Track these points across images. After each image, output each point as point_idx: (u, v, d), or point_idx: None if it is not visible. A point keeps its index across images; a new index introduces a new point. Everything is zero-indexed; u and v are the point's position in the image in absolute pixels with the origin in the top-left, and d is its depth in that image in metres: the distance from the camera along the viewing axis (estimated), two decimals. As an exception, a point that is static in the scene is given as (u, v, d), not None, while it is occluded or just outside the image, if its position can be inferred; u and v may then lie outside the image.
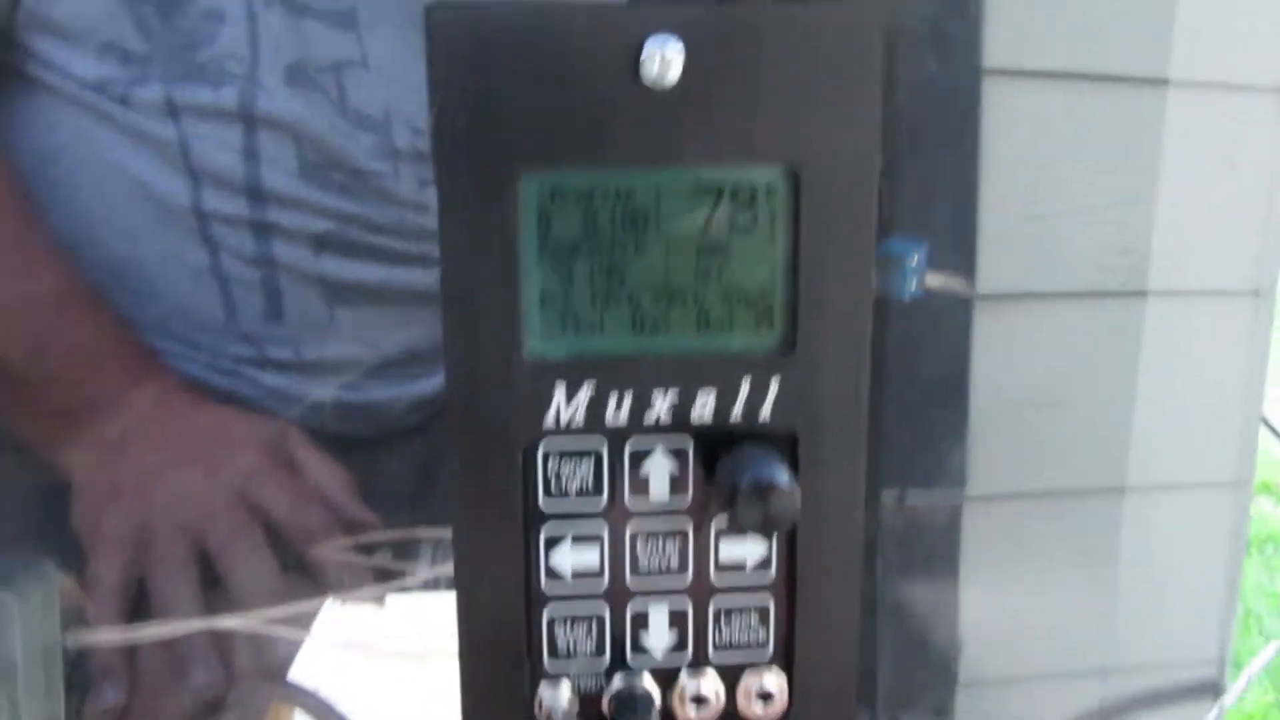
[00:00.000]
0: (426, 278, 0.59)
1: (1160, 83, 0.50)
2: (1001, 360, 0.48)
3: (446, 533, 0.27)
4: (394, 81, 0.53)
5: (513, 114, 0.24)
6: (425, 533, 0.49)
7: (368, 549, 0.50)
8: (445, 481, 0.26)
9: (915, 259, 0.30)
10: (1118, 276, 0.52)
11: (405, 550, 0.50)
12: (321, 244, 0.56)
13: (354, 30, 0.53)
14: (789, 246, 0.26)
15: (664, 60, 0.24)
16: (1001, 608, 0.53)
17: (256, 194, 0.53)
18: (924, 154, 0.42)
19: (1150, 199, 0.51)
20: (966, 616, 0.51)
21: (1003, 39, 0.46)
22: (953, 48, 0.44)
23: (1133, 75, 0.50)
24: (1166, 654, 0.58)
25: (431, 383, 0.61)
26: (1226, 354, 0.56)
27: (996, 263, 0.45)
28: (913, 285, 0.31)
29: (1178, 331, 0.54)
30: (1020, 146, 0.48)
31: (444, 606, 0.28)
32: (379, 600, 0.48)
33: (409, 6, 0.53)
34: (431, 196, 0.25)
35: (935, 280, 0.32)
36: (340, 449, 0.50)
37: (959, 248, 0.44)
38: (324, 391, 0.56)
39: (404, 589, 0.48)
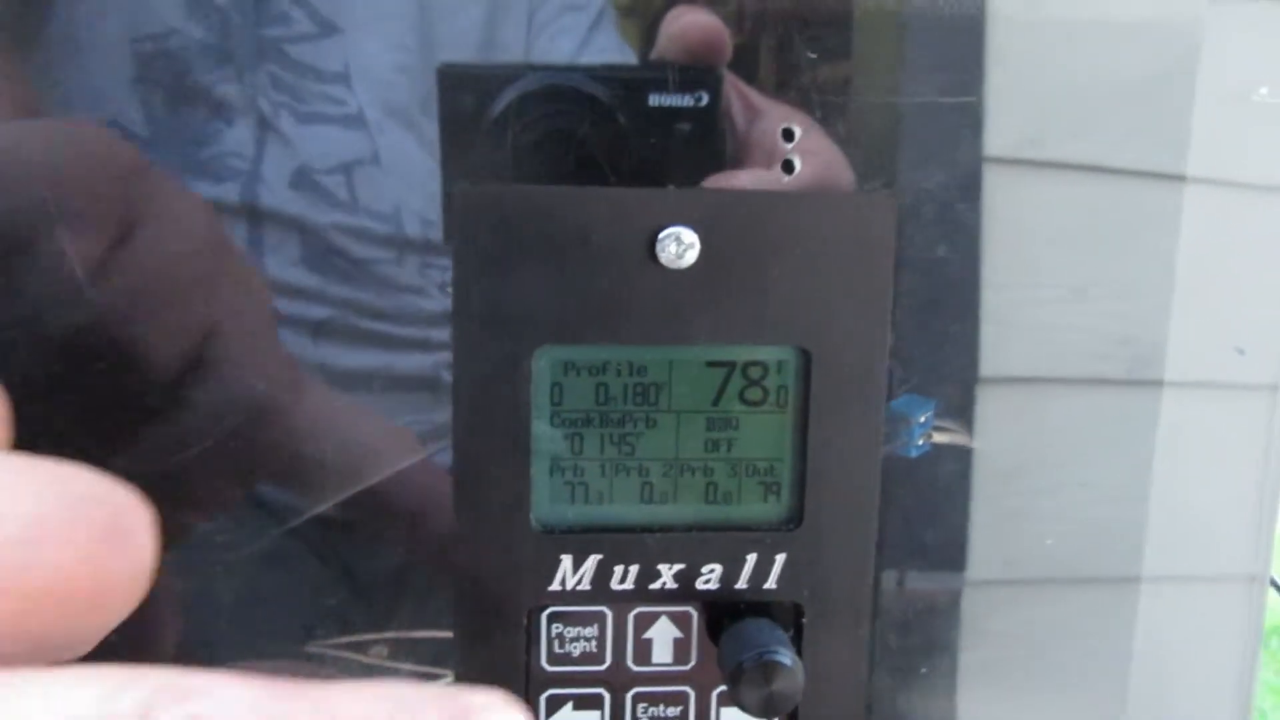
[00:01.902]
0: (425, 362, 0.59)
1: (1176, 179, 0.50)
2: (1002, 444, 0.48)
3: (442, 633, 0.27)
4: (405, 175, 0.53)
5: (530, 290, 0.25)
6: (420, 634, 0.49)
7: (361, 647, 0.50)
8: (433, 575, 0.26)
9: (924, 417, 0.31)
10: (1121, 365, 0.52)
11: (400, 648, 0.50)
12: (320, 331, 0.56)
13: (364, 130, 0.54)
14: (798, 423, 0.26)
15: (680, 243, 0.24)
16: (1002, 697, 0.53)
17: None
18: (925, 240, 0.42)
19: (1161, 290, 0.51)
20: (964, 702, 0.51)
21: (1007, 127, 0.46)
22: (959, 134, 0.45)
23: (1143, 170, 0.51)
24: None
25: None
26: (1242, 447, 0.56)
27: (998, 345, 0.45)
28: (921, 443, 0.31)
29: (1192, 423, 0.54)
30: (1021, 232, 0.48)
31: None
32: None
33: (419, 98, 0.54)
34: (432, 279, 0.25)
35: (942, 436, 0.32)
36: (335, 534, 0.50)
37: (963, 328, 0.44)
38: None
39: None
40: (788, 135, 0.26)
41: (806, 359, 0.25)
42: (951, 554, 0.48)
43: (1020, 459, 0.50)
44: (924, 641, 0.50)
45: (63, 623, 0.21)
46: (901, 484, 0.38)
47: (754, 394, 0.26)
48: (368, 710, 0.16)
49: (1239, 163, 0.51)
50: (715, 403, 0.26)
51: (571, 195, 0.24)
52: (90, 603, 0.21)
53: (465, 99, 0.28)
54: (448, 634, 0.27)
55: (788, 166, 0.27)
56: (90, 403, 0.26)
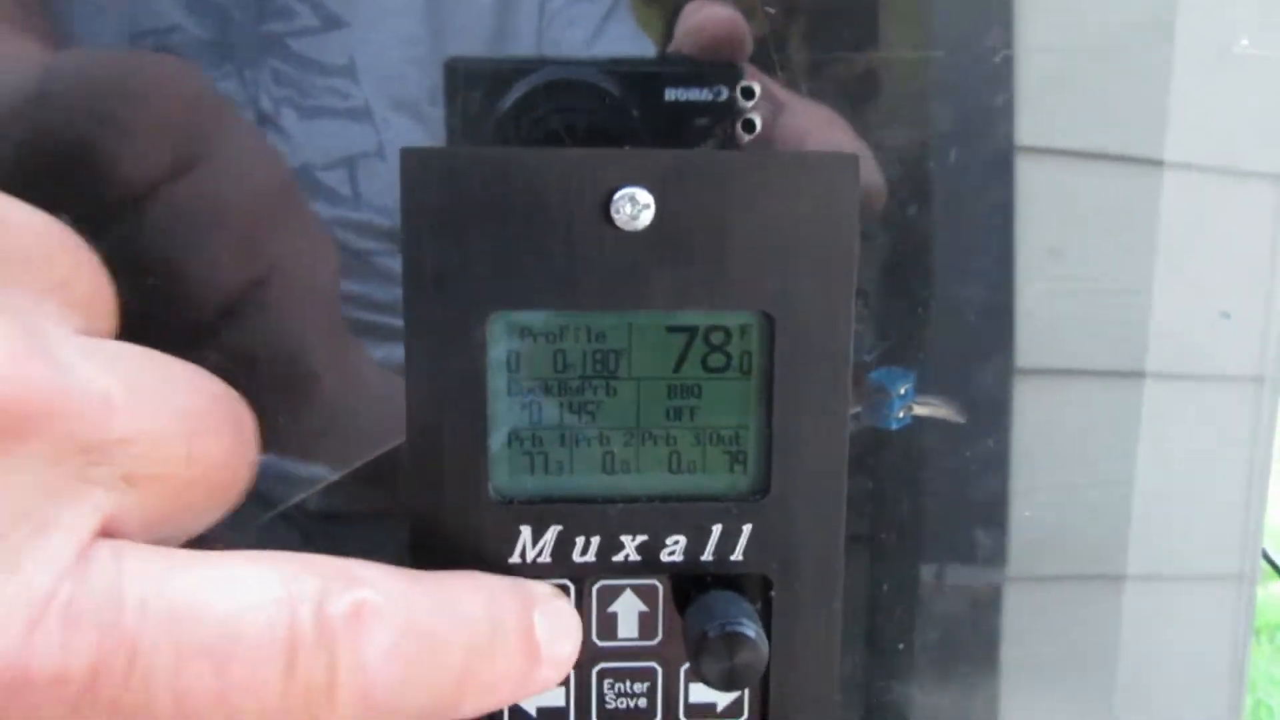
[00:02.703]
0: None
1: (1155, 163, 0.49)
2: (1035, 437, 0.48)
3: None
4: None
5: (483, 254, 0.24)
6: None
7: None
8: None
9: (903, 389, 0.30)
10: (1118, 357, 0.51)
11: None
12: None
13: (369, 123, 0.53)
14: (762, 390, 0.25)
15: (635, 203, 0.24)
16: (1005, 696, 0.52)
17: None
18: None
19: (1143, 281, 0.50)
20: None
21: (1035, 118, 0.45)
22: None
23: (1132, 155, 0.50)
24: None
25: None
26: (1229, 440, 0.55)
27: (1033, 338, 0.45)
28: (900, 415, 0.30)
29: (1177, 416, 0.53)
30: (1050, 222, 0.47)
31: None
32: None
33: (428, 90, 0.54)
34: None
35: (924, 409, 0.31)
36: (327, 525, 0.49)
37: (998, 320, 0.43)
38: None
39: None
40: (747, 94, 0.26)
41: (770, 324, 0.25)
42: (968, 549, 0.48)
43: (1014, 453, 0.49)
44: (906, 634, 0.49)
45: (207, 507, 0.22)
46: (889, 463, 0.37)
47: (716, 360, 0.25)
48: (471, 598, 0.22)
49: (1221, 143, 0.50)
50: (676, 369, 0.25)
51: (523, 156, 0.24)
52: (227, 489, 0.23)
53: (473, 93, 0.27)
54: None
55: (748, 126, 0.26)
56: (132, 326, 0.25)
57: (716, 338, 0.25)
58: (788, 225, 0.24)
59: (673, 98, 0.26)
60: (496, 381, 0.25)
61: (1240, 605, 0.56)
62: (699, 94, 0.26)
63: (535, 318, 0.25)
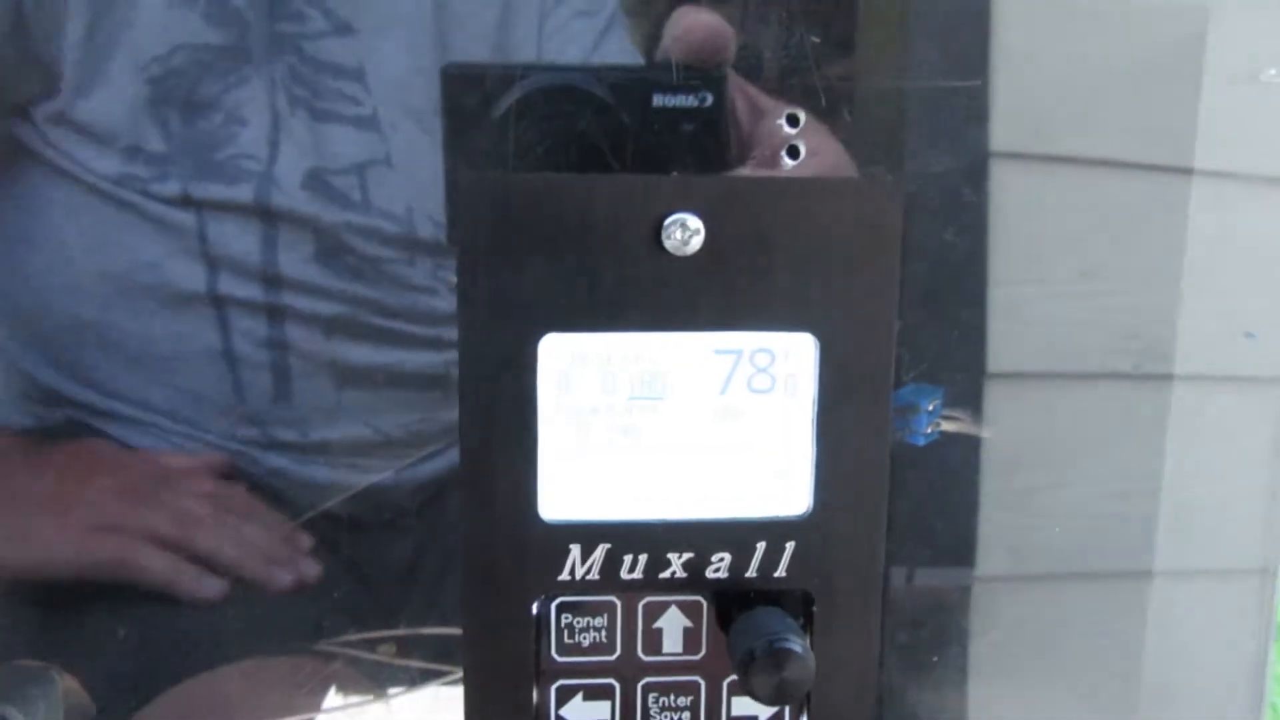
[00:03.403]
0: (435, 360, 0.59)
1: (1183, 171, 0.50)
2: (1013, 439, 0.48)
3: (450, 630, 0.27)
4: (417, 176, 0.54)
5: (536, 278, 0.24)
6: (428, 630, 0.49)
7: (370, 644, 0.49)
8: (441, 571, 0.26)
9: (932, 405, 0.30)
10: (1131, 359, 0.52)
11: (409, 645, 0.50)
12: (332, 328, 0.56)
13: (377, 131, 0.54)
14: (807, 410, 0.26)
15: (685, 229, 0.24)
16: (1015, 693, 0.52)
17: (271, 280, 0.54)
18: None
19: (1170, 283, 0.51)
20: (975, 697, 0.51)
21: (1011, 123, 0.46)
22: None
23: (1151, 163, 0.50)
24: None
25: (434, 465, 0.61)
26: (1253, 441, 0.56)
27: (1006, 341, 0.45)
28: (928, 430, 0.31)
29: (1202, 416, 0.53)
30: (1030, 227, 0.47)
31: (449, 704, 0.28)
32: (382, 698, 0.48)
33: (433, 101, 0.54)
34: (444, 280, 0.25)
35: (951, 424, 0.32)
36: (341, 532, 0.50)
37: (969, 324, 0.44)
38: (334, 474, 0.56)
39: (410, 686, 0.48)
40: (792, 121, 0.26)
41: (814, 345, 0.25)
42: (961, 549, 0.48)
43: (1030, 454, 0.50)
44: (936, 636, 0.50)
45: None
46: (915, 477, 0.38)
47: (762, 381, 0.26)
48: None
49: (1247, 153, 0.51)
50: (723, 391, 0.26)
51: (576, 183, 0.24)
52: None
53: (469, 98, 0.27)
54: (456, 631, 0.27)
55: (793, 152, 0.26)
56: None
57: (762, 360, 0.26)
58: (832, 248, 0.25)
59: (660, 103, 0.27)
60: (546, 404, 0.25)
61: (1263, 600, 0.56)
62: (686, 100, 0.27)
63: (585, 340, 0.25)
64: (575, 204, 0.24)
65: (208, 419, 0.56)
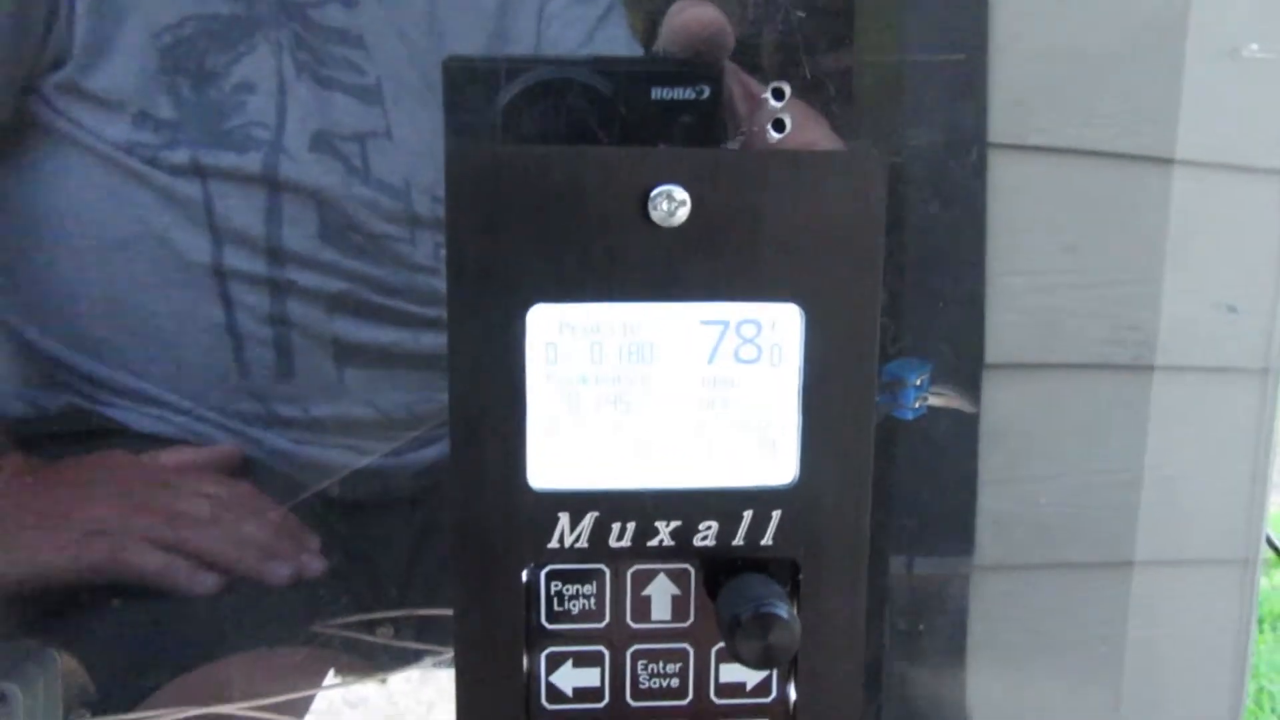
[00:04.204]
0: (436, 341, 0.60)
1: (1165, 161, 0.50)
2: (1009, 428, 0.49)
3: (447, 611, 0.27)
4: (416, 152, 0.54)
5: (524, 249, 0.25)
6: (426, 611, 0.50)
7: (369, 626, 0.50)
8: (442, 554, 0.27)
9: (920, 380, 0.31)
10: (1129, 351, 0.52)
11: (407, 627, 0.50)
12: (335, 304, 0.57)
13: (379, 104, 0.54)
14: (793, 380, 0.26)
15: (672, 200, 0.25)
16: (1008, 680, 0.53)
17: (275, 254, 0.54)
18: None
19: (1158, 276, 0.51)
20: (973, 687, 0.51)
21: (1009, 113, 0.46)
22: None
23: (1141, 154, 0.51)
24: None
25: (435, 450, 0.62)
26: (1235, 431, 0.56)
27: (1005, 332, 0.46)
28: (916, 405, 0.31)
29: (1184, 407, 0.54)
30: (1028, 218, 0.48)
31: (447, 683, 0.29)
32: (380, 679, 0.48)
33: (432, 82, 0.55)
34: (444, 259, 0.25)
35: (939, 399, 0.32)
36: (342, 515, 0.50)
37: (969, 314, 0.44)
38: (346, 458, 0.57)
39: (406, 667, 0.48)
40: (778, 95, 0.27)
41: (800, 316, 0.26)
42: (959, 539, 0.49)
43: (1021, 445, 0.51)
44: (934, 622, 0.50)
45: None
46: (912, 462, 0.38)
47: (748, 351, 0.26)
48: None
49: (1229, 142, 0.51)
50: (710, 361, 0.26)
51: (564, 155, 0.24)
52: None
53: (470, 92, 0.28)
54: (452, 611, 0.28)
55: (778, 125, 0.27)
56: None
57: (748, 330, 0.26)
58: (817, 220, 0.25)
59: (659, 96, 0.27)
60: (535, 373, 0.26)
61: (1244, 590, 0.57)
62: (684, 92, 0.27)
63: (572, 310, 0.25)
64: (562, 176, 0.24)
65: (210, 393, 0.56)
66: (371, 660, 0.50)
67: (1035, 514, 0.53)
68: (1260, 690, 1.58)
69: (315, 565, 0.50)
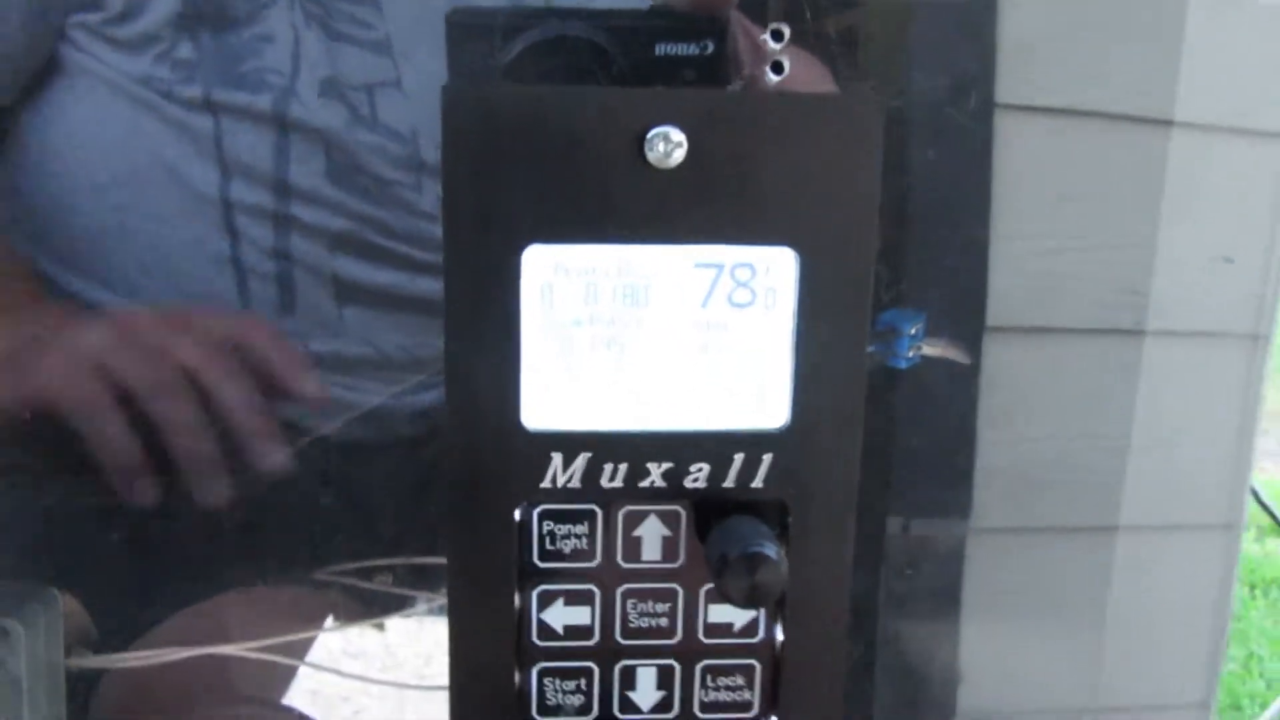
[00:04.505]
0: (436, 286, 0.60)
1: (1165, 124, 0.50)
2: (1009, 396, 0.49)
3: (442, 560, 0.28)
4: (425, 103, 0.54)
5: (520, 190, 0.25)
6: (425, 560, 0.50)
7: (368, 573, 0.50)
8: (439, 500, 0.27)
9: (914, 329, 0.31)
10: (1131, 315, 0.52)
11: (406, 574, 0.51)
12: (337, 243, 0.57)
13: (389, 55, 0.55)
14: (786, 324, 0.26)
15: (668, 142, 0.25)
16: (999, 641, 0.53)
17: (282, 188, 0.55)
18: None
19: (1154, 240, 0.51)
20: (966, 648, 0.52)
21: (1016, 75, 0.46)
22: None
23: (1139, 115, 0.50)
24: (1155, 696, 0.59)
25: (432, 395, 0.62)
26: (1223, 396, 0.56)
27: (1007, 296, 0.46)
28: (910, 354, 0.31)
29: (1178, 372, 0.54)
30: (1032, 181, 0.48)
31: (443, 636, 0.29)
32: (378, 625, 0.49)
33: (442, 35, 0.55)
34: None
35: (933, 349, 0.32)
36: (340, 454, 0.51)
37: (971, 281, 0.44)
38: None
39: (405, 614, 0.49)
40: (777, 36, 0.26)
41: (795, 260, 0.26)
42: (958, 502, 0.49)
43: (1014, 409, 0.51)
44: (926, 584, 0.51)
45: None
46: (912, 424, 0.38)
47: (742, 295, 0.26)
48: None
49: (1229, 106, 0.51)
50: (704, 304, 0.26)
51: (560, 95, 0.24)
52: None
53: (474, 47, 0.28)
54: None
55: (777, 68, 0.27)
56: None
57: (742, 274, 0.26)
58: (813, 163, 0.25)
59: (662, 51, 0.27)
60: (530, 315, 0.26)
61: (1227, 554, 0.57)
62: (686, 48, 0.27)
63: (567, 251, 0.26)
64: (558, 117, 0.24)
65: None
66: (372, 605, 0.50)
67: (1032, 475, 0.54)
68: (1250, 655, 1.60)
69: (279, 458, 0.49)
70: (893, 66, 0.36)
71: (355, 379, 0.61)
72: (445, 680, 0.28)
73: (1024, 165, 0.48)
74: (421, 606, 0.45)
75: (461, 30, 0.28)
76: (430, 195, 0.56)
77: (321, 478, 0.51)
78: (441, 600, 0.49)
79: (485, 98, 0.24)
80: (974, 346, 0.42)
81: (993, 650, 0.54)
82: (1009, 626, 0.56)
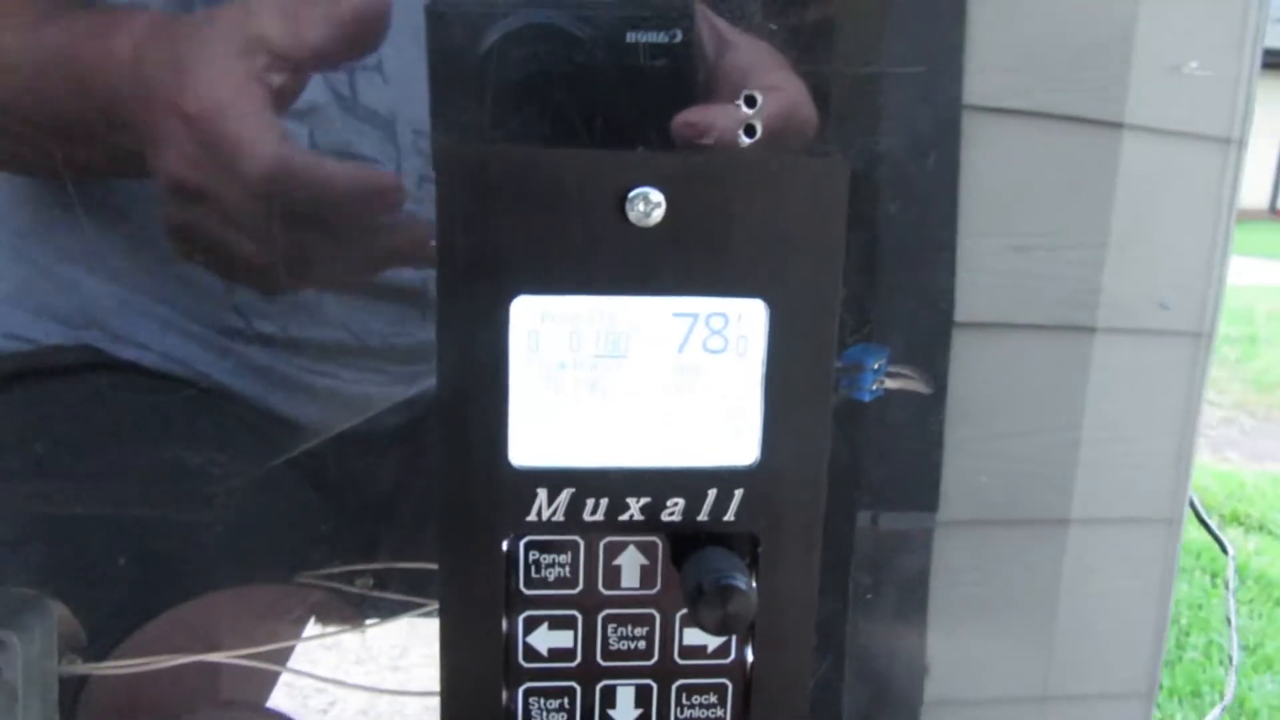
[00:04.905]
0: (415, 277, 0.61)
1: (1114, 126, 0.52)
2: (975, 390, 0.51)
3: (426, 564, 0.29)
4: (405, 87, 0.55)
5: (510, 244, 0.26)
6: (405, 565, 0.52)
7: (349, 577, 0.52)
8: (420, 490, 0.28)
9: (877, 364, 0.33)
10: (1096, 313, 0.54)
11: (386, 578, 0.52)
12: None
13: None
14: (756, 369, 0.28)
15: (648, 202, 0.26)
16: (963, 632, 0.56)
17: None
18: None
19: (1096, 239, 0.53)
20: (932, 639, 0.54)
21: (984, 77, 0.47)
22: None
23: (1088, 117, 0.52)
24: (1100, 686, 0.61)
25: (412, 387, 0.63)
26: (1167, 393, 0.58)
27: (974, 292, 0.47)
28: (874, 387, 0.33)
29: (1120, 370, 0.56)
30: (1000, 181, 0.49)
31: (424, 634, 0.31)
32: (359, 628, 0.50)
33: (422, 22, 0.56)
34: (429, 193, 0.26)
35: (894, 382, 0.34)
36: (325, 466, 0.52)
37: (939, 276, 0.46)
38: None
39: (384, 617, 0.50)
40: (750, 102, 0.28)
41: (765, 310, 0.28)
42: (923, 495, 0.51)
43: (975, 406, 0.53)
44: (891, 577, 0.53)
45: None
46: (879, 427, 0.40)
47: (716, 342, 0.28)
48: None
49: (1173, 116, 0.53)
50: (680, 350, 0.28)
51: (548, 156, 0.26)
52: None
53: (452, 37, 0.29)
54: (433, 565, 0.30)
55: (750, 131, 0.28)
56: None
57: (716, 322, 0.28)
58: (783, 222, 0.27)
59: (634, 39, 0.29)
60: (517, 359, 0.27)
61: (1169, 547, 0.60)
62: (658, 36, 0.29)
63: (554, 301, 0.27)
64: (546, 176, 0.26)
65: (199, 306, 0.57)
66: (353, 606, 0.52)
67: (997, 472, 0.56)
68: (1210, 643, 1.65)
69: None
70: (867, 38, 0.37)
71: (335, 365, 0.62)
72: (418, 671, 0.30)
73: (995, 164, 0.50)
74: (407, 613, 0.47)
75: (441, 19, 0.29)
76: (409, 179, 0.57)
77: (308, 488, 0.52)
78: (423, 605, 0.50)
79: (477, 156, 0.26)
80: (943, 349, 0.44)
81: (955, 642, 0.57)
82: (971, 617, 0.58)
